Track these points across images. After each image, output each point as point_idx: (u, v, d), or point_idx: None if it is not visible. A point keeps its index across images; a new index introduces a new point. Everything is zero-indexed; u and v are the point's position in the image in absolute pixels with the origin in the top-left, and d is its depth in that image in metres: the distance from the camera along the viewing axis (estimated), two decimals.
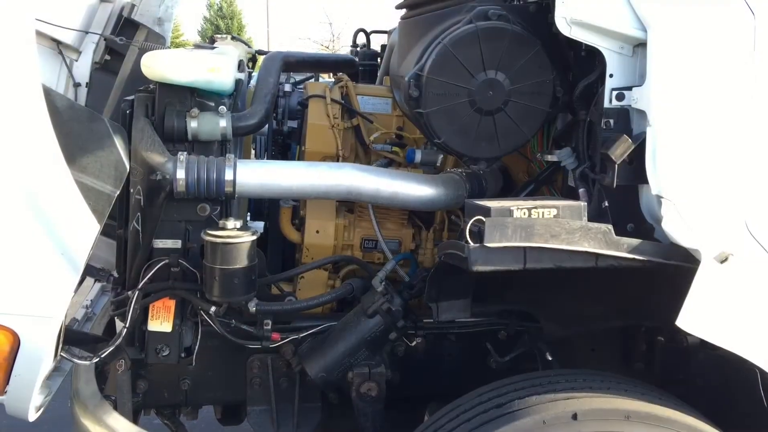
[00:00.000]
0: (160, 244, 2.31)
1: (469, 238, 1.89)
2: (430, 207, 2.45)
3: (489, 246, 1.87)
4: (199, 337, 2.42)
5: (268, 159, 3.10)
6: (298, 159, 2.83)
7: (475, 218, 1.89)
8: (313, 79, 3.45)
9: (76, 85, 3.01)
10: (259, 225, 3.07)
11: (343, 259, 2.63)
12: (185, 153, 2.22)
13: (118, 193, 2.08)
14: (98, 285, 3.42)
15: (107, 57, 3.05)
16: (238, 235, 2.18)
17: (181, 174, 2.17)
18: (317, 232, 2.61)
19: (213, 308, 2.28)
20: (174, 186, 2.17)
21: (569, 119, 2.39)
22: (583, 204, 1.99)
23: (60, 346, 2.09)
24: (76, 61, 3.03)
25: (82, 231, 1.94)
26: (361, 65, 3.54)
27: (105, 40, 3.00)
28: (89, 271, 2.64)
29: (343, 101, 2.72)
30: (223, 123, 2.28)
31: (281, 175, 2.27)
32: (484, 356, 2.64)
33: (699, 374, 2.70)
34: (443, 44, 2.13)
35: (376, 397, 2.41)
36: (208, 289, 2.22)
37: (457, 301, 2.35)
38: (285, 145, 3.12)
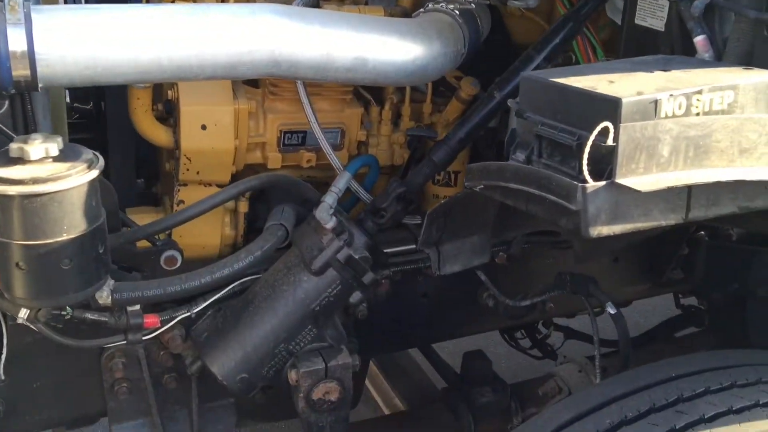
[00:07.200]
0: None
1: (586, 171, 0.88)
2: (422, 79, 1.37)
3: (630, 187, 0.88)
4: (5, 335, 1.33)
5: None
6: None
7: (602, 125, 0.87)
8: None
9: None
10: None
11: (274, 182, 1.50)
12: None
13: None
14: None
15: None
16: (60, 173, 1.03)
17: None
18: (203, 127, 1.46)
19: (23, 313, 1.17)
20: None
21: None
22: None
23: None
24: None
25: None
26: None
27: None
28: None
29: None
30: None
31: (133, 33, 1.10)
32: (474, 293, 1.75)
33: (759, 283, 1.96)
34: None
35: (339, 401, 1.44)
36: (5, 282, 1.10)
37: (470, 240, 1.37)
38: None
